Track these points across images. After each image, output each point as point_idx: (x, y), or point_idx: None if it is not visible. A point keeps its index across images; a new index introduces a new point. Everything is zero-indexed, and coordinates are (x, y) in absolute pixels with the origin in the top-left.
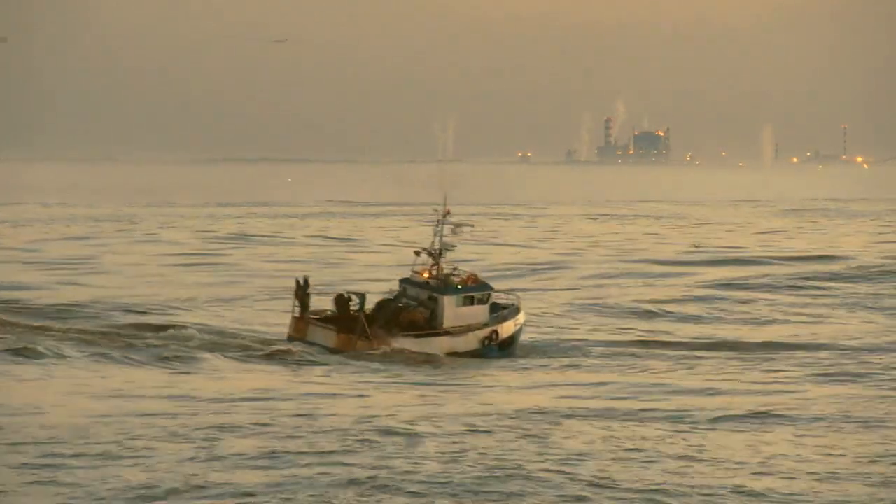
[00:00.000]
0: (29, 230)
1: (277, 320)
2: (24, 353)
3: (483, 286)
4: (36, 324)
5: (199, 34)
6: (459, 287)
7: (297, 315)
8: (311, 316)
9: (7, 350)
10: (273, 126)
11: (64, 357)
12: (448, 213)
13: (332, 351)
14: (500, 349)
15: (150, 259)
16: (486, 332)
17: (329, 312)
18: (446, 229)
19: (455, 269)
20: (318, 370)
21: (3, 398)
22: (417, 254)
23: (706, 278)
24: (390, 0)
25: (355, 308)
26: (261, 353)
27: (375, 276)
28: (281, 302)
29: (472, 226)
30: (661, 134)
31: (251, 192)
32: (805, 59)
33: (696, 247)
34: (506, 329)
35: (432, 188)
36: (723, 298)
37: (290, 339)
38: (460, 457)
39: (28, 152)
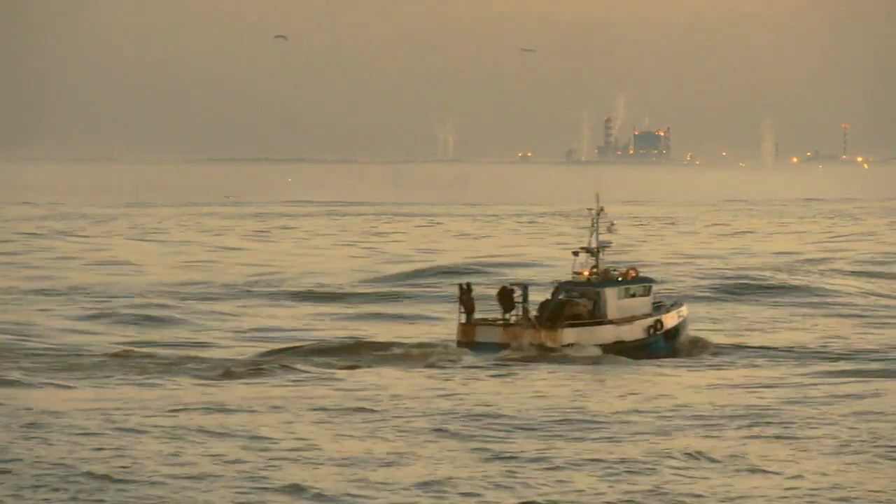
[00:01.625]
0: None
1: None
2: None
3: (644, 279)
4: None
5: (200, 34)
6: (620, 280)
7: (463, 321)
8: (479, 320)
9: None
10: (273, 126)
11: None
12: (601, 210)
13: (501, 346)
14: (666, 339)
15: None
16: (650, 321)
17: (497, 319)
18: (601, 226)
19: (613, 268)
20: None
21: None
22: (576, 254)
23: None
24: (391, 1)
25: (519, 300)
26: (441, 363)
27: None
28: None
29: (614, 224)
30: (661, 134)
31: (261, 191)
32: (805, 58)
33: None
34: (669, 319)
35: (442, 188)
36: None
37: (460, 345)
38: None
39: (28, 152)
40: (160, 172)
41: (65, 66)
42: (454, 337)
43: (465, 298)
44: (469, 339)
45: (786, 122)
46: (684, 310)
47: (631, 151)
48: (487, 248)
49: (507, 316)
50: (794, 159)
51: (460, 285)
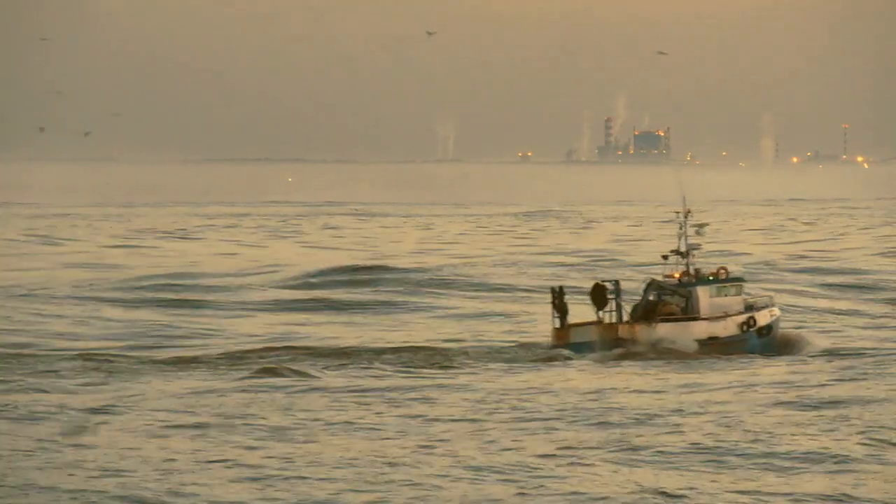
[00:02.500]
0: None
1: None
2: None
3: (735, 278)
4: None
5: (200, 34)
6: (711, 278)
7: (557, 326)
8: (572, 322)
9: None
10: (273, 126)
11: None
12: (689, 212)
13: (596, 344)
14: (759, 336)
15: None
16: (743, 318)
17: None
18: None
19: (699, 270)
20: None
21: None
22: (665, 258)
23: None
24: (391, 1)
25: (611, 295)
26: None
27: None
28: None
29: (708, 224)
30: (661, 134)
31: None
32: (806, 58)
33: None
34: (762, 317)
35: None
36: None
37: (554, 349)
38: None
39: (28, 152)
40: (158, 173)
41: (65, 66)
42: (549, 340)
43: (558, 302)
44: (563, 341)
45: (786, 122)
46: (776, 310)
47: (631, 151)
48: (461, 248)
49: (600, 314)
50: (795, 159)
51: (552, 289)
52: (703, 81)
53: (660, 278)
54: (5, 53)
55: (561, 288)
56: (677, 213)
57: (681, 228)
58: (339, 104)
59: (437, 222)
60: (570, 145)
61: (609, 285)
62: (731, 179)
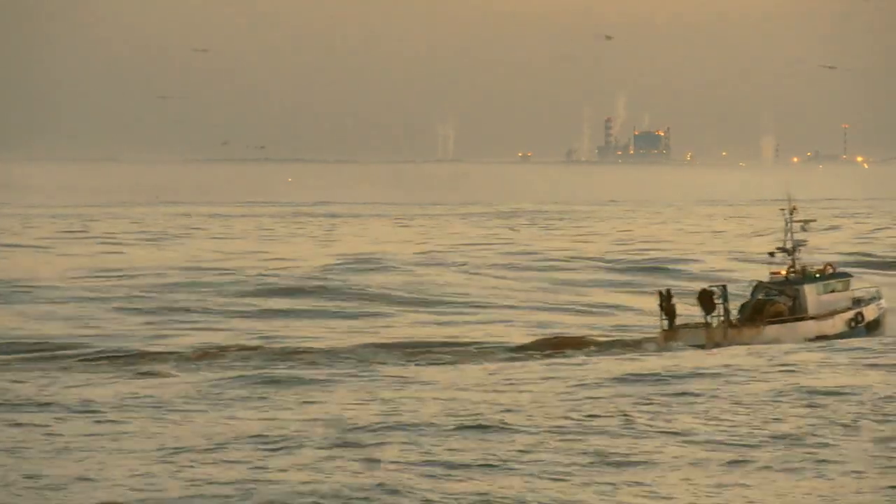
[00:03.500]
0: None
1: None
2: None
3: (842, 274)
4: None
5: (200, 34)
6: (818, 276)
7: (665, 328)
8: (681, 325)
9: None
10: (273, 126)
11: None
12: (794, 209)
13: (704, 346)
14: (868, 331)
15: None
16: (850, 314)
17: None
18: (794, 226)
19: (804, 267)
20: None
21: None
22: (772, 255)
23: None
24: (391, 0)
25: (719, 300)
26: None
27: None
28: None
29: (815, 220)
30: (661, 134)
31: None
32: (806, 58)
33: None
34: (870, 312)
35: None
36: None
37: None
38: None
39: (28, 152)
40: (158, 173)
41: (66, 66)
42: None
43: (666, 305)
44: (672, 343)
45: (786, 122)
46: (884, 301)
47: (631, 151)
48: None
49: (708, 318)
50: (795, 159)
51: (659, 292)
52: (703, 81)
53: (765, 279)
54: (6, 53)
55: (668, 290)
56: (782, 209)
57: (786, 224)
58: (339, 104)
59: (429, 223)
60: (570, 145)
61: (717, 290)
62: (729, 179)
